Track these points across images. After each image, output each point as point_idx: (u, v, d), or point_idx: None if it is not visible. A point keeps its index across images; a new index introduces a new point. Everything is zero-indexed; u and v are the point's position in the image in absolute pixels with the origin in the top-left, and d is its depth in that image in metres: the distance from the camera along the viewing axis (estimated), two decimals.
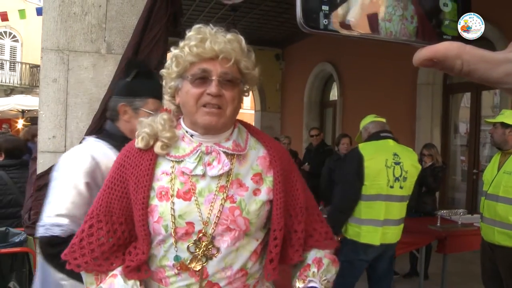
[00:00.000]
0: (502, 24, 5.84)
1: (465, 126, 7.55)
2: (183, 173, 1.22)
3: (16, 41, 20.74)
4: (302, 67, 11.34)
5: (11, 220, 3.56)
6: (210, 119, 1.19)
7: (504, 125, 3.35)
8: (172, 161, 1.24)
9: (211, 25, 1.23)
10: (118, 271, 1.24)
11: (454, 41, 0.42)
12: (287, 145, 7.29)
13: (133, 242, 1.27)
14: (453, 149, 7.79)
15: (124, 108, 1.76)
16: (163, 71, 1.29)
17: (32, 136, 5.41)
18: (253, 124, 1.48)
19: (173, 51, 1.25)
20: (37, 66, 16.99)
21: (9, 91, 19.14)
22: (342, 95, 9.96)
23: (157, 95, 1.63)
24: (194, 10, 9.30)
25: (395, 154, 3.21)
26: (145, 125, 1.27)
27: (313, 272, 1.31)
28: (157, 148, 1.24)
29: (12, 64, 20.50)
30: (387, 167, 3.16)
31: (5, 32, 20.27)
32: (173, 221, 1.19)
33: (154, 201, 1.21)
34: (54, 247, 1.52)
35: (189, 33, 1.22)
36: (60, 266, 1.47)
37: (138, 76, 1.79)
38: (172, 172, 1.23)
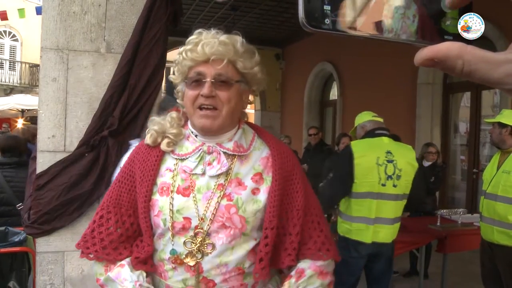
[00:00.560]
0: (502, 23, 5.85)
1: (465, 125, 7.56)
2: (184, 171, 1.27)
3: (16, 40, 20.73)
4: (302, 67, 11.34)
5: (5, 218, 3.56)
6: (205, 121, 1.24)
7: (501, 125, 3.39)
8: (176, 158, 1.30)
9: (212, 29, 1.26)
10: (126, 261, 1.28)
11: (456, 41, 0.42)
12: (288, 145, 7.26)
13: (140, 235, 1.31)
14: (453, 149, 7.79)
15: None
16: (171, 77, 1.34)
17: (32, 136, 5.40)
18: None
19: (176, 56, 1.30)
20: (37, 66, 16.97)
21: (9, 90, 19.14)
22: (342, 95, 9.96)
23: None
24: (194, 10, 9.29)
25: (388, 152, 3.18)
26: (155, 123, 1.34)
27: (290, 282, 1.26)
28: (163, 145, 1.30)
29: (11, 63, 20.49)
30: (379, 165, 3.14)
31: (5, 32, 20.27)
32: (171, 215, 1.24)
33: (156, 196, 1.27)
34: None
35: (189, 38, 1.27)
36: None
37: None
38: (175, 169, 1.28)
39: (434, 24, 0.46)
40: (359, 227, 3.14)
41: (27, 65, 20.33)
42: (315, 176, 6.18)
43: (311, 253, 1.29)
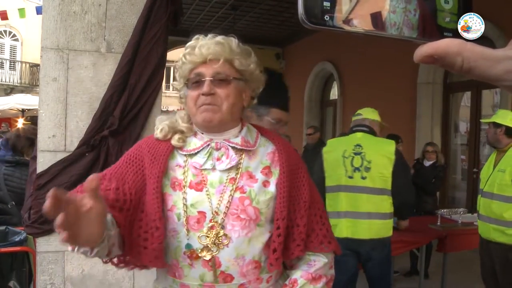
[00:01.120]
0: (502, 23, 5.85)
1: (465, 125, 7.56)
2: (195, 167, 1.29)
3: (16, 40, 20.73)
4: (302, 66, 11.34)
5: None
6: (206, 114, 1.27)
7: (495, 124, 3.47)
8: (185, 155, 1.32)
9: (209, 34, 1.32)
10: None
11: (455, 38, 0.43)
12: None
13: (135, 224, 1.24)
14: (453, 148, 7.79)
15: (250, 113, 1.89)
16: (174, 83, 1.39)
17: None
18: None
19: (178, 61, 1.35)
20: (37, 65, 16.97)
21: (9, 90, 19.14)
22: (342, 94, 9.96)
23: (282, 106, 1.91)
24: (194, 9, 9.29)
25: (357, 145, 3.18)
26: (164, 119, 1.37)
27: None
28: (174, 141, 1.32)
29: (12, 63, 20.50)
30: (344, 158, 3.17)
31: (5, 31, 20.27)
32: (185, 210, 1.25)
33: (169, 190, 1.27)
34: None
35: (188, 44, 1.32)
36: None
37: (268, 86, 1.93)
38: (185, 165, 1.30)
39: (433, 21, 0.46)
40: (332, 222, 3.13)
41: (27, 65, 20.34)
42: (312, 175, 6.18)
43: (313, 246, 1.34)
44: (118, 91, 2.47)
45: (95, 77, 2.52)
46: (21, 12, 7.92)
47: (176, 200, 1.26)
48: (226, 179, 1.28)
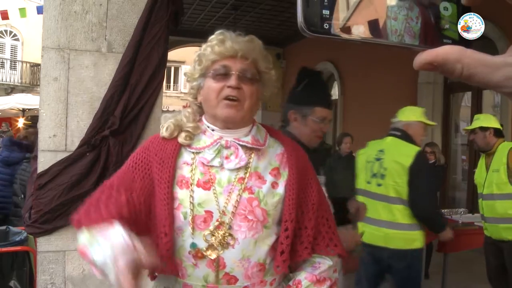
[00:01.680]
0: (502, 23, 5.84)
1: (465, 125, 7.55)
2: (203, 164, 1.27)
3: (17, 39, 20.74)
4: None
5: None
6: (229, 111, 1.26)
7: (482, 128, 3.52)
8: (193, 152, 1.30)
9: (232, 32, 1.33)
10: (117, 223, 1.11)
11: (455, 45, 0.43)
12: None
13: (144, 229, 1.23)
14: (454, 148, 7.79)
15: (294, 115, 1.93)
16: (186, 73, 1.37)
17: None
18: None
19: (196, 53, 1.34)
20: (38, 65, 16.97)
21: (10, 90, 19.15)
22: (343, 94, 9.96)
23: (325, 104, 1.92)
24: (195, 9, 9.30)
25: (380, 151, 3.12)
26: (170, 118, 1.35)
27: None
28: (181, 138, 1.30)
29: (12, 62, 20.50)
30: (367, 162, 3.19)
31: (6, 31, 20.27)
32: (192, 208, 1.23)
33: (175, 188, 1.25)
34: None
35: (211, 36, 1.32)
36: None
37: (308, 85, 1.94)
38: (193, 163, 1.28)
39: (433, 28, 0.46)
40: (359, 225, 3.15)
41: (28, 65, 20.35)
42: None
43: (319, 249, 1.34)
44: (119, 91, 2.47)
45: (96, 77, 2.52)
46: (22, 11, 7.93)
47: (182, 198, 1.24)
48: (235, 179, 1.26)
